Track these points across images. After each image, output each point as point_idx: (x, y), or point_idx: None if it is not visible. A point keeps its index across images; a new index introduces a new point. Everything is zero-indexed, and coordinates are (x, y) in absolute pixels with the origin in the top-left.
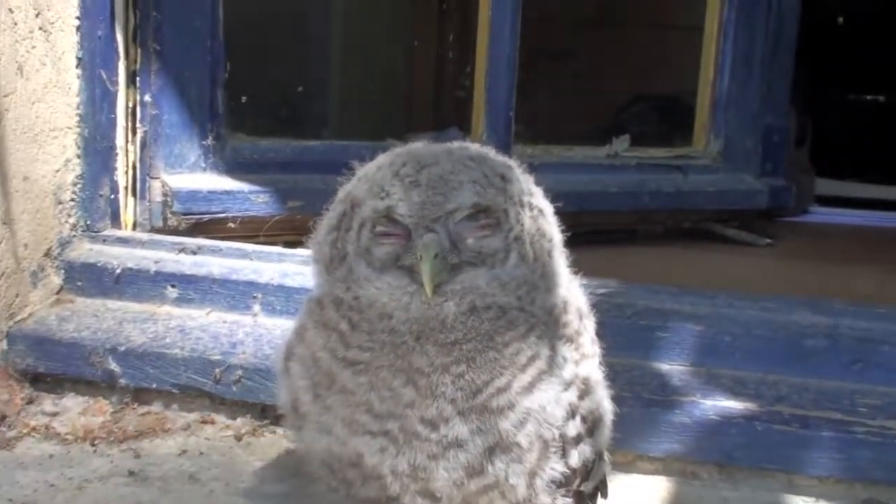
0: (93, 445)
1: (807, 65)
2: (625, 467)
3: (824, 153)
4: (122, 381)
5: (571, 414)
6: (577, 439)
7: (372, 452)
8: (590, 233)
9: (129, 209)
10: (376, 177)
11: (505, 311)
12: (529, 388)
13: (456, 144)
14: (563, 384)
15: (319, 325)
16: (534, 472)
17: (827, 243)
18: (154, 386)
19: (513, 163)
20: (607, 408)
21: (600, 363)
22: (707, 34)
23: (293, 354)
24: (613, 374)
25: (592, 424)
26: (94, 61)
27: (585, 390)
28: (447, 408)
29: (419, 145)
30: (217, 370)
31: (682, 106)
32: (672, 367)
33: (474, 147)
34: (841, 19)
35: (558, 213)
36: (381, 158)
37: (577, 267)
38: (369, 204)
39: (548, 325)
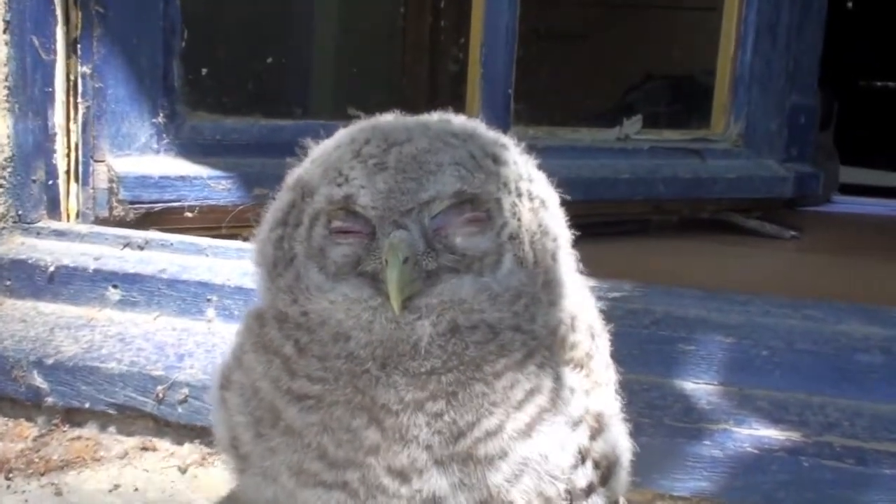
0: (7, 479)
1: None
2: None
3: (842, 140)
4: (50, 400)
5: (581, 460)
6: (589, 490)
7: None
8: (598, 224)
9: (70, 197)
10: (332, 157)
11: (496, 331)
12: (527, 431)
13: (435, 117)
14: (570, 423)
15: (259, 346)
16: None
17: (856, 236)
18: (87, 405)
19: (508, 140)
20: (624, 447)
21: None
22: (728, 1)
23: (230, 382)
24: (629, 396)
25: (607, 470)
26: (24, 25)
27: (598, 429)
28: (421, 455)
29: (388, 117)
30: (160, 387)
31: (697, 85)
32: (698, 387)
33: (459, 120)
34: (850, 4)
35: (563, 202)
36: (341, 134)
37: (586, 265)
38: (323, 192)
39: (551, 349)
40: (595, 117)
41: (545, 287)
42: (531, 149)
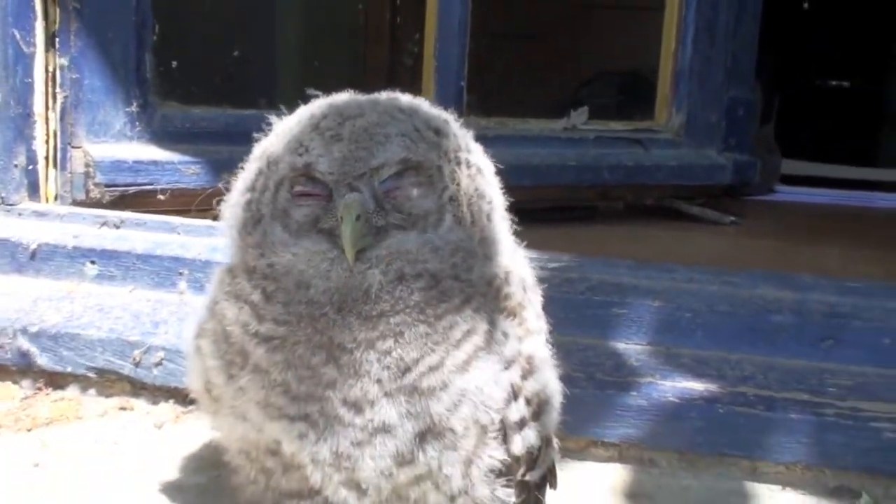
0: None
1: (774, 48)
2: (577, 454)
3: (793, 135)
4: (35, 365)
5: (513, 395)
6: (521, 424)
7: (290, 439)
8: (547, 210)
9: (49, 181)
10: (294, 131)
11: (438, 279)
12: (464, 366)
13: (384, 95)
14: (503, 362)
15: (231, 296)
16: (470, 460)
17: (793, 222)
18: (69, 369)
19: (449, 116)
20: (555, 389)
21: (548, 341)
22: (669, 1)
23: (204, 331)
24: (565, 354)
25: (538, 407)
26: (6, 20)
27: (529, 370)
28: (372, 388)
29: (343, 96)
30: (136, 352)
31: (643, 81)
32: (628, 347)
33: (406, 98)
34: (806, 5)
35: (515, 187)
36: (301, 111)
37: (534, 245)
38: (286, 161)
39: (486, 297)
40: (547, 111)
41: (481, 243)
42: (482, 138)
